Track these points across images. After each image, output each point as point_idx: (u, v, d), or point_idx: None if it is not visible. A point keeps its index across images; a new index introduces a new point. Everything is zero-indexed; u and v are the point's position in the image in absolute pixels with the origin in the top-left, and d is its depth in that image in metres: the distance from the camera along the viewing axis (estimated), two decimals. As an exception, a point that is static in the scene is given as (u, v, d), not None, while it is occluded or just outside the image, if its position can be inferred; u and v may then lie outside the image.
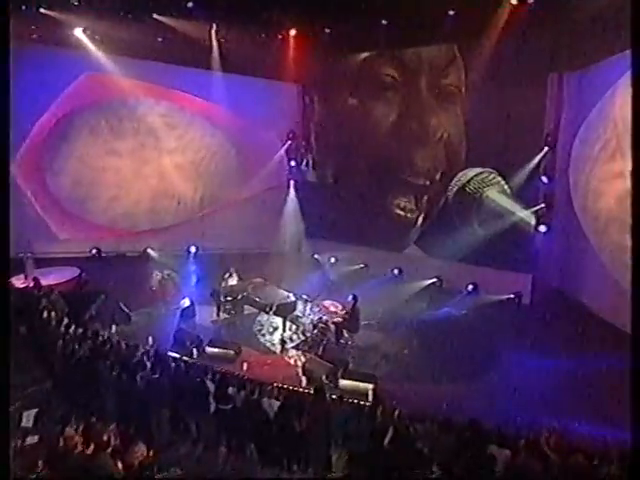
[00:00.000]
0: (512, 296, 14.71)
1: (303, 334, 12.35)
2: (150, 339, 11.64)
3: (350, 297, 11.97)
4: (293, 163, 17.84)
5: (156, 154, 17.10)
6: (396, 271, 16.33)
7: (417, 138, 15.82)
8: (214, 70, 16.04)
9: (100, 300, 13.57)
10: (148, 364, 9.49)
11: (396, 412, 8.23)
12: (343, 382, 10.18)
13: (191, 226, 17.72)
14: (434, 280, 15.70)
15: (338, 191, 17.44)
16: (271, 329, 12.80)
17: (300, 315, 12.81)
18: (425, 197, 16.28)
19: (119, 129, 16.58)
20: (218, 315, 13.42)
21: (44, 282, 13.91)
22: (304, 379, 10.36)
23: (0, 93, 5.34)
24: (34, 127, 15.76)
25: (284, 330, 12.44)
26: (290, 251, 17.12)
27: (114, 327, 12.42)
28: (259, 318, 13.21)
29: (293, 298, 12.74)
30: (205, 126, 17.32)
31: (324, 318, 12.13)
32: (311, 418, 8.37)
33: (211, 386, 8.93)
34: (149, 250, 17.52)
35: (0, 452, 4.92)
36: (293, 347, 12.00)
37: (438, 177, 15.88)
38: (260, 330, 12.84)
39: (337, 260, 17.14)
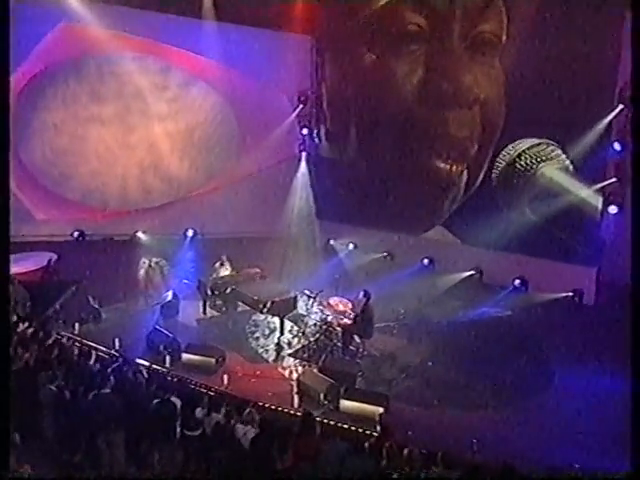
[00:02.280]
0: (570, 294, 12.94)
1: (306, 338, 10.88)
2: (117, 341, 10.40)
3: (361, 293, 10.37)
4: (305, 131, 16.17)
5: (144, 120, 15.70)
6: (426, 261, 14.65)
7: (448, 100, 14.02)
8: (210, 20, 14.46)
9: (69, 293, 12.58)
10: (100, 376, 8.19)
11: (406, 451, 6.68)
12: (345, 403, 8.77)
13: (187, 206, 16.34)
14: (472, 273, 14.03)
15: (356, 166, 15.77)
16: (267, 331, 11.47)
17: (304, 314, 11.34)
18: (459, 169, 14.46)
19: (100, 91, 15.20)
20: (205, 312, 12.19)
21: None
22: (296, 398, 8.87)
23: None
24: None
25: (281, 333, 11.10)
26: (299, 236, 15.59)
27: (77, 326, 11.14)
28: (255, 317, 11.83)
29: (294, 294, 11.23)
30: (201, 87, 15.75)
31: (329, 319, 10.59)
32: (296, 453, 6.92)
33: (176, 406, 7.74)
34: (139, 233, 16.26)
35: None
36: (291, 355, 10.57)
37: (475, 148, 14.10)
38: (254, 332, 11.51)
39: (356, 247, 15.54)
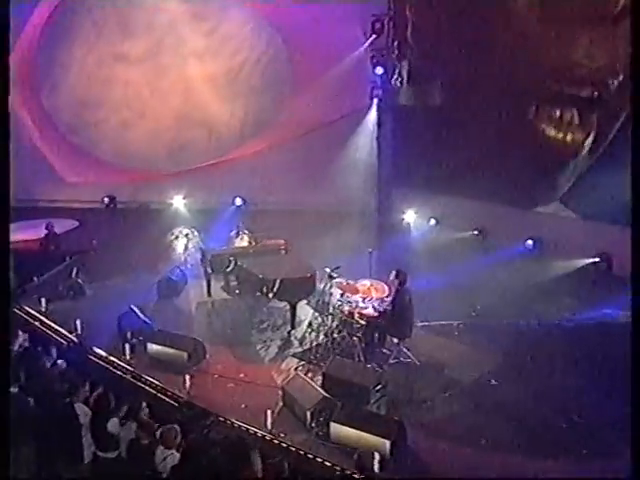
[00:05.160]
0: None
1: (327, 333, 8.92)
2: (79, 323, 9.28)
3: (393, 273, 8.17)
4: (380, 71, 13.95)
5: (178, 59, 14.61)
6: (530, 242, 12.25)
7: (579, 16, 11.46)
8: None
9: (62, 266, 11.87)
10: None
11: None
12: (336, 428, 6.63)
13: (229, 168, 14.95)
14: (595, 260, 11.41)
15: (446, 115, 13.47)
16: (280, 322, 9.73)
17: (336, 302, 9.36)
18: (591, 118, 11.80)
19: (128, 22, 14.32)
20: (209, 294, 10.69)
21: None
22: (269, 416, 6.91)
23: None
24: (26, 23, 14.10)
25: (292, 325, 9.28)
26: (360, 205, 13.60)
27: (44, 302, 10.07)
28: (273, 303, 10.03)
29: (312, 272, 9.37)
30: (245, 16, 14.27)
31: (345, 308, 8.55)
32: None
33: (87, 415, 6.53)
34: (177, 200, 15.21)
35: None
36: (296, 355, 8.75)
37: (615, 83, 11.34)
38: (263, 322, 9.77)
39: (438, 222, 13.38)
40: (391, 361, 8.23)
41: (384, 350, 8.47)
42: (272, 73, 14.57)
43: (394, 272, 8.16)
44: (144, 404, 6.38)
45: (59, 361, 7.68)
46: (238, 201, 15.25)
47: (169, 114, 14.95)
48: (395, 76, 13.99)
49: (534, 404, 7.42)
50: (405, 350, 8.33)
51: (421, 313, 9.27)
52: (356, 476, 5.93)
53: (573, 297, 10.58)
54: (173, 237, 13.43)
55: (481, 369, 8.20)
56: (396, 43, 13.98)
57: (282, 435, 6.77)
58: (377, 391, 7.42)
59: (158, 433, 5.83)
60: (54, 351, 7.83)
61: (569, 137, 12.23)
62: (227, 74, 14.66)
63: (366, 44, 13.88)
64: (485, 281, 10.84)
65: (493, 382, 7.93)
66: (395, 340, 8.43)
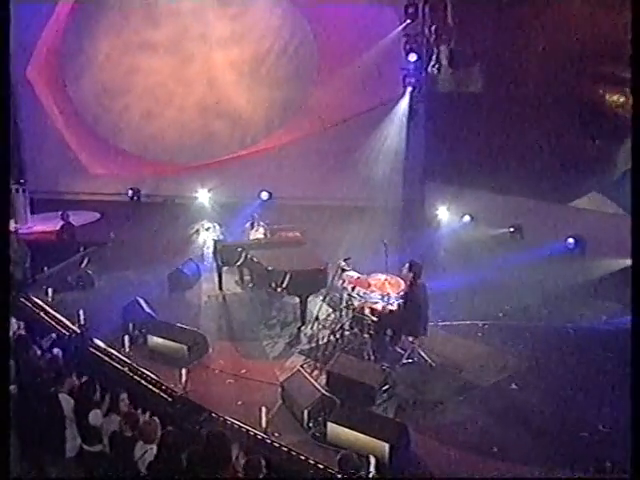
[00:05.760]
0: None
1: (339, 331, 8.55)
2: (82, 314, 9.09)
3: (406, 266, 7.75)
4: (414, 57, 13.50)
5: (203, 46, 14.49)
6: (571, 241, 11.66)
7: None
8: None
9: (75, 257, 11.93)
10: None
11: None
12: (335, 428, 6.26)
13: (255, 161, 14.77)
14: None
15: (485, 105, 12.89)
16: (290, 318, 9.39)
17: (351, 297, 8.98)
18: None
19: (153, 8, 14.27)
20: (220, 288, 10.47)
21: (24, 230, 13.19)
22: (264, 416, 6.57)
23: None
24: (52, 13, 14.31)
25: (302, 321, 8.95)
26: (393, 202, 13.22)
27: (50, 292, 10.01)
28: (287, 299, 9.73)
29: (324, 264, 9.08)
30: (272, 1, 14.11)
31: (356, 303, 8.19)
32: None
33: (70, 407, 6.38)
34: (198, 193, 15.06)
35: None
36: (302, 352, 8.39)
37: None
38: (273, 318, 9.46)
39: (473, 219, 12.90)
40: (404, 361, 7.81)
41: (397, 349, 8.05)
42: (299, 61, 14.34)
43: (407, 264, 7.72)
44: (124, 394, 6.11)
45: (55, 351, 7.57)
46: (264, 195, 15.08)
47: (194, 104, 14.89)
48: (432, 62, 13.53)
49: (556, 411, 6.89)
50: (419, 350, 7.90)
51: (445, 312, 8.99)
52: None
53: (615, 299, 9.90)
54: (194, 231, 13.39)
55: (503, 372, 7.72)
56: (434, 28, 13.52)
57: (276, 434, 6.47)
58: (384, 392, 7.05)
59: (139, 424, 5.60)
60: (48, 341, 7.78)
61: (619, 125, 11.48)
62: (252, 62, 14.49)
63: (399, 29, 13.53)
64: (519, 281, 10.38)
65: (514, 386, 7.43)
66: (410, 339, 8.01)
